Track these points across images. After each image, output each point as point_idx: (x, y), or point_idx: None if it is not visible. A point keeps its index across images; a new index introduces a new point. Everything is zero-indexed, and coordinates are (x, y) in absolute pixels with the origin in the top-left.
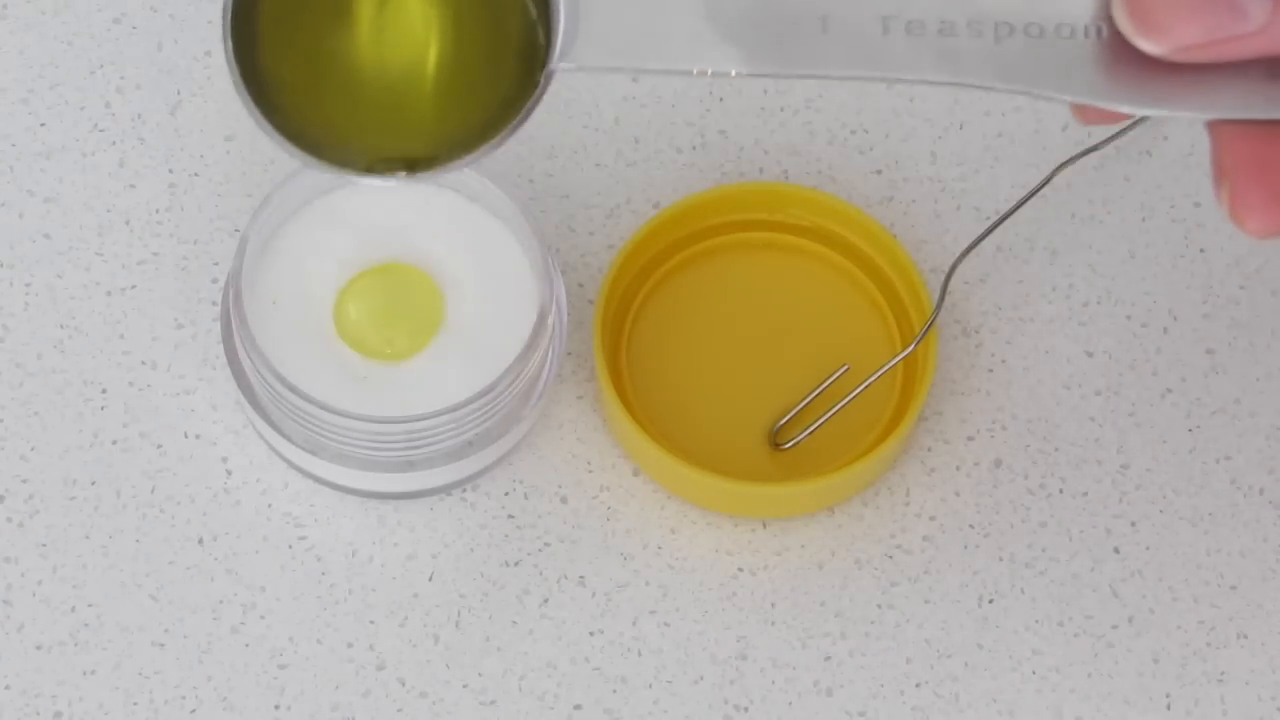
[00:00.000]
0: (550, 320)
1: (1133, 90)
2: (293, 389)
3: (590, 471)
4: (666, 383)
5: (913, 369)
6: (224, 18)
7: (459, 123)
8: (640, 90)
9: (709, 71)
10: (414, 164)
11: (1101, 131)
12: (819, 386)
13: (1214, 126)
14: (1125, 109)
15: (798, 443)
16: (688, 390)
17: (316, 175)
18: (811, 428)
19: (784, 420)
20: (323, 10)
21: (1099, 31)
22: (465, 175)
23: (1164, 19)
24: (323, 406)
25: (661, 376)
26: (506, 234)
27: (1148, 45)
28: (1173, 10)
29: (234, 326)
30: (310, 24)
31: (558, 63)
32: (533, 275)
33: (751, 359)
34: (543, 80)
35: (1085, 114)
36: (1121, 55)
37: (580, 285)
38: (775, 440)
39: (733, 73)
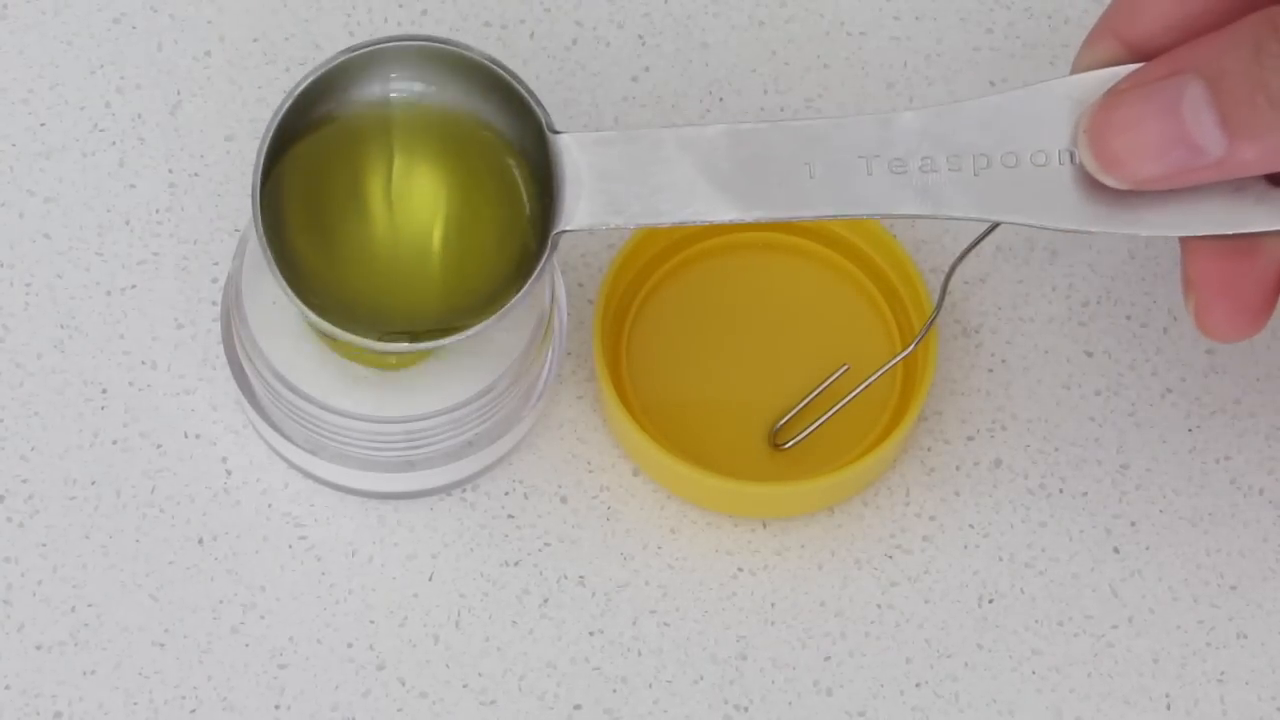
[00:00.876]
0: (550, 320)
1: (1105, 214)
2: (293, 389)
3: (590, 471)
4: (666, 383)
5: (913, 369)
6: (254, 204)
7: (466, 293)
8: (640, 90)
9: (706, 221)
10: (421, 336)
11: None
12: (819, 386)
13: (1183, 241)
14: (1098, 230)
15: (798, 443)
16: (688, 390)
17: None
18: (811, 428)
19: (784, 420)
20: (341, 195)
21: (1072, 157)
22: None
23: (1126, 159)
24: (323, 406)
25: (661, 376)
26: None
27: (1112, 182)
28: (1133, 153)
29: (234, 326)
30: (331, 208)
31: (563, 227)
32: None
33: (751, 359)
34: (550, 245)
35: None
36: (1093, 181)
37: (580, 285)
38: (775, 440)
39: (729, 220)
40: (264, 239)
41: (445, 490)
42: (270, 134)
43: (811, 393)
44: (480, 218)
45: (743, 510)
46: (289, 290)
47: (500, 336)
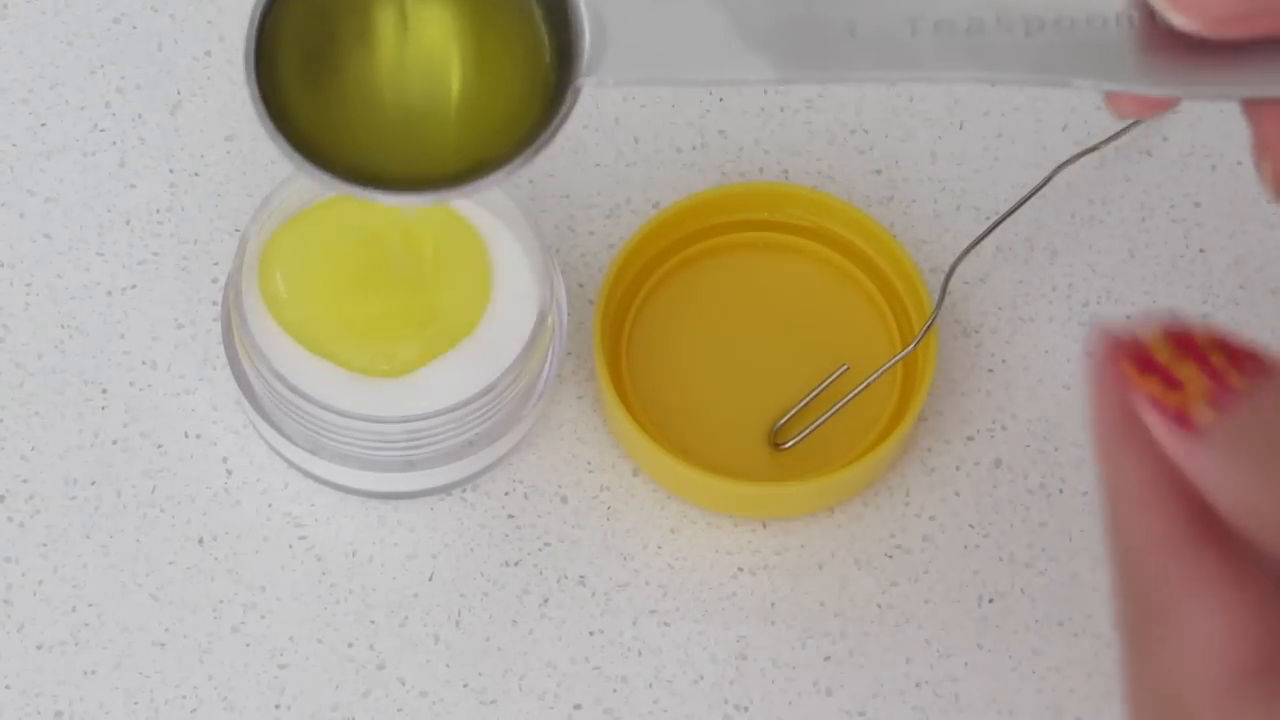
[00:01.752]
0: (550, 320)
1: (1170, 73)
2: (293, 389)
3: (590, 471)
4: (666, 383)
5: (913, 369)
6: (247, 61)
7: (485, 144)
8: (640, 90)
9: (738, 81)
10: (441, 184)
11: (1101, 132)
12: (819, 386)
13: (1253, 105)
14: (1163, 93)
15: (798, 443)
16: (688, 390)
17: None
18: (811, 427)
19: (784, 420)
20: (344, 42)
21: (1130, 20)
22: None
23: None
24: (323, 406)
25: (661, 376)
26: (506, 234)
27: (1181, 21)
28: None
29: (234, 326)
30: (332, 57)
31: (584, 78)
32: (533, 275)
33: (751, 359)
34: (569, 96)
35: (1120, 104)
36: (1156, 40)
37: (580, 285)
38: (775, 440)
39: (761, 80)
40: (257, 96)
41: (445, 490)
42: None
43: (811, 393)
44: (498, 66)
45: (743, 510)
46: (285, 144)
47: (500, 336)
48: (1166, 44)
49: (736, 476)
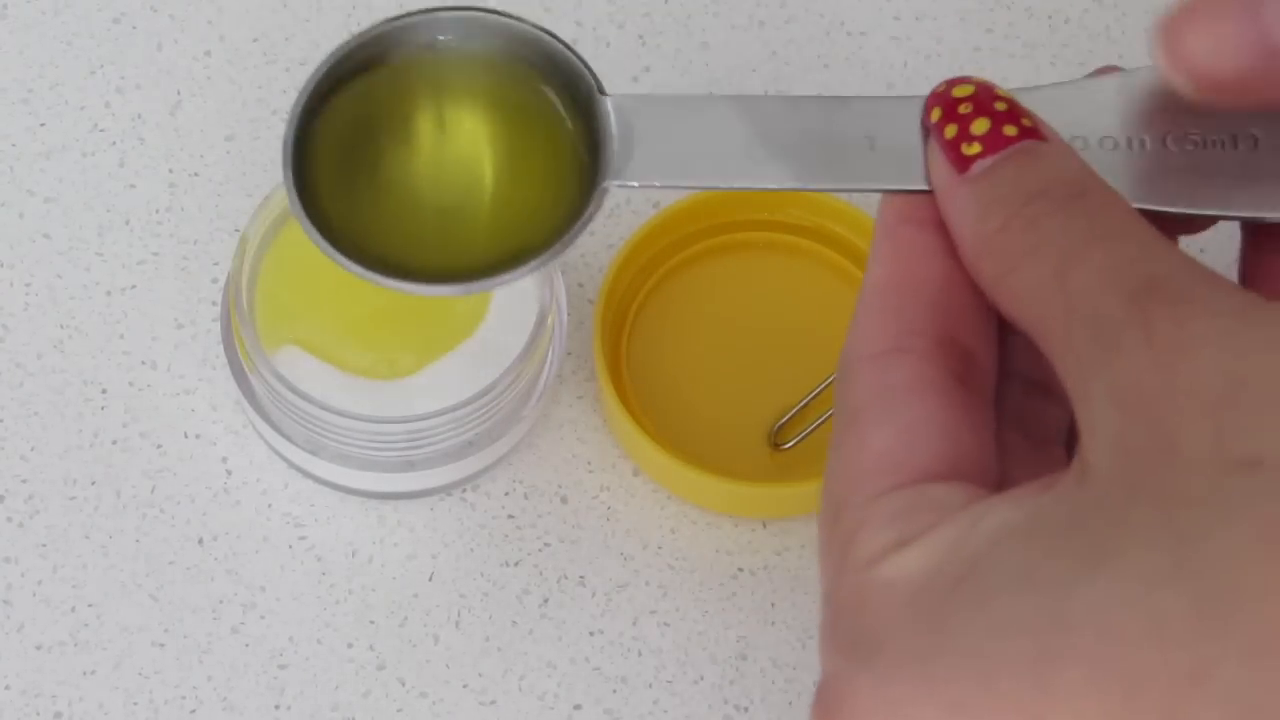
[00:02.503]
0: (550, 320)
1: (1183, 192)
2: (293, 389)
3: (590, 471)
4: (666, 383)
5: None
6: (285, 156)
7: (516, 237)
8: (640, 90)
9: (758, 188)
10: (472, 276)
11: None
12: (819, 386)
13: (1248, 232)
14: (1171, 210)
15: (798, 443)
16: (688, 390)
17: None
18: (811, 427)
19: (784, 420)
20: (382, 141)
21: (1143, 144)
22: None
23: (1198, 54)
24: (323, 407)
25: (661, 376)
26: None
27: (1182, 83)
28: (1207, 47)
29: (234, 327)
30: (370, 155)
31: (610, 181)
32: (533, 276)
33: (751, 359)
34: (595, 198)
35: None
36: (1164, 163)
37: (580, 285)
38: (775, 440)
39: (781, 188)
40: (293, 190)
41: (445, 490)
42: (308, 90)
43: (811, 393)
44: (529, 168)
45: (743, 510)
46: (316, 234)
47: (500, 336)
48: (1173, 168)
49: (736, 476)
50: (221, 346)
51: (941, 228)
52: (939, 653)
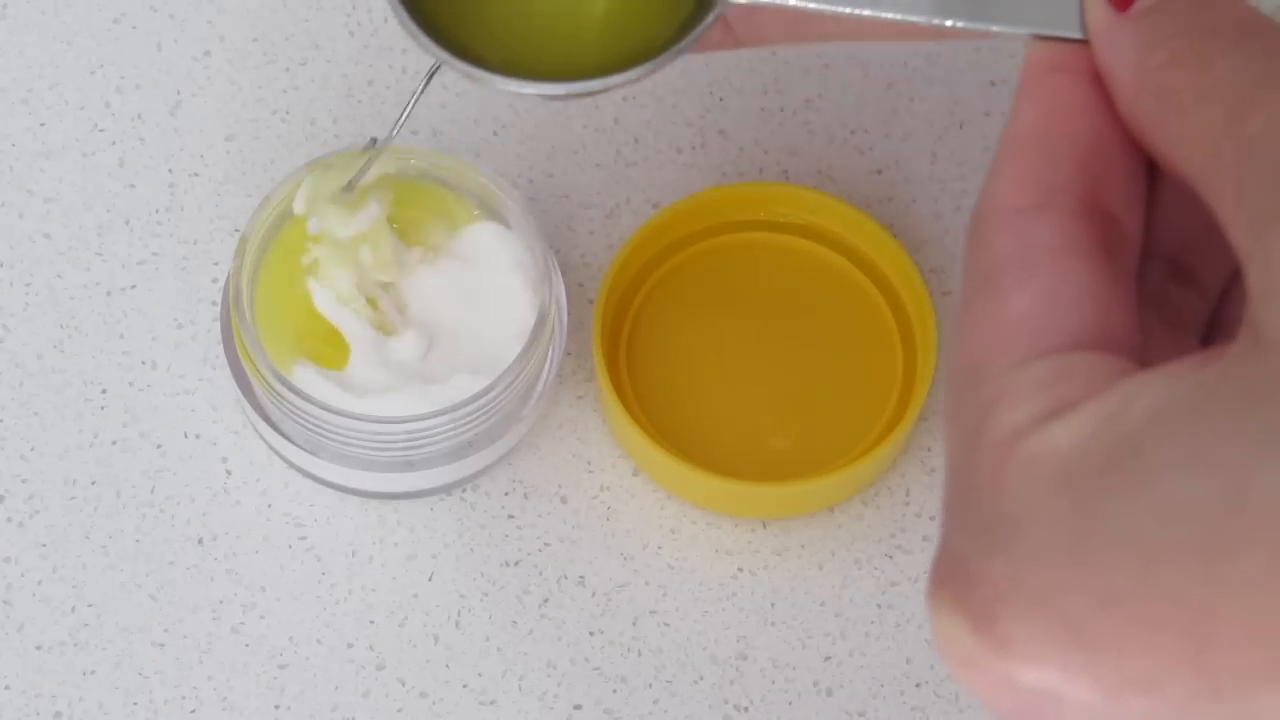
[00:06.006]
0: (550, 320)
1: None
2: (293, 389)
3: (590, 471)
4: (666, 383)
5: (912, 368)
6: None
7: (624, 46)
8: (640, 90)
9: (878, 17)
10: (574, 78)
11: None
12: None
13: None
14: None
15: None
16: (688, 390)
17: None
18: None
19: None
20: None
21: None
22: (466, 175)
23: None
24: (323, 406)
25: (661, 376)
26: (506, 233)
27: None
28: None
29: (234, 327)
30: None
31: None
32: (532, 275)
33: (751, 359)
34: (714, 11)
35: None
36: None
37: (580, 285)
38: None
39: (907, 19)
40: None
41: (445, 490)
42: None
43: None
44: None
45: (743, 510)
46: (423, 36)
47: (501, 336)
48: None
49: (737, 476)
50: (221, 346)
51: (1095, 80)
52: (1090, 539)
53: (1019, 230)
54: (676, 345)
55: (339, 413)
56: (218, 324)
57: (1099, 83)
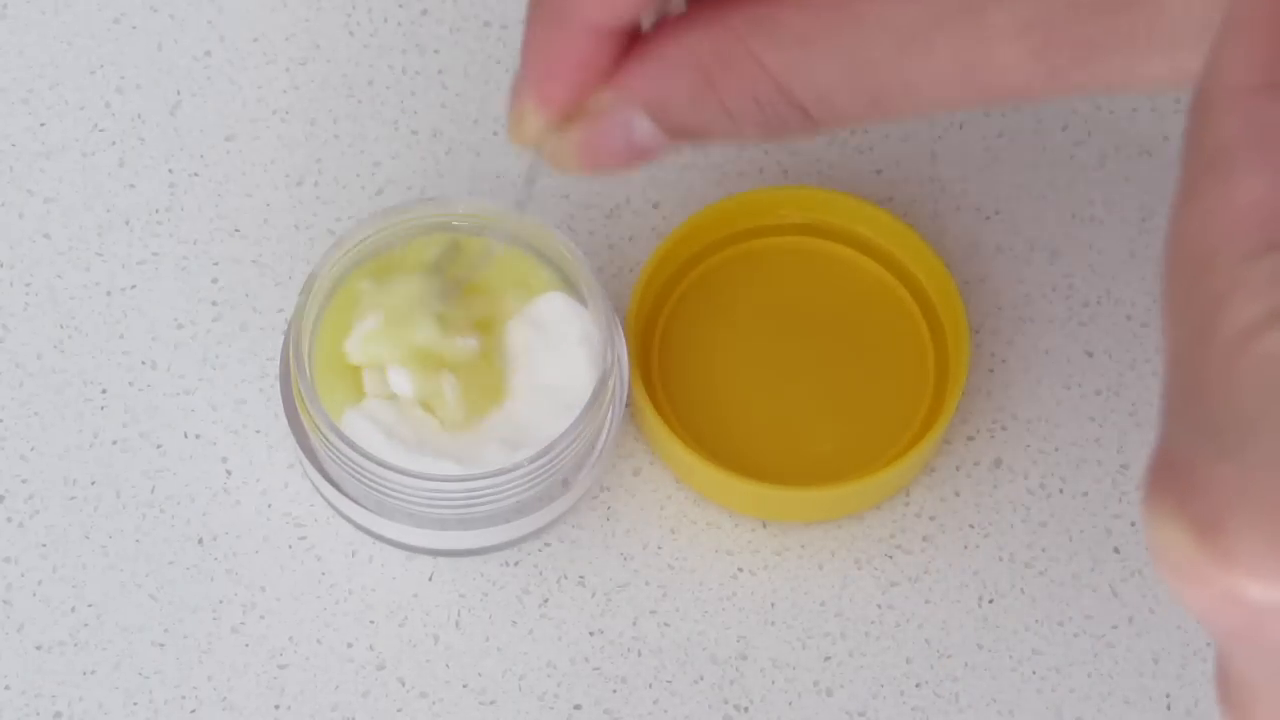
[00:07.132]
0: (611, 384)
1: None
2: (352, 445)
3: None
4: (702, 394)
5: (944, 365)
6: None
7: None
8: None
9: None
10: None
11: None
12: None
13: None
14: None
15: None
16: (724, 399)
17: (392, 221)
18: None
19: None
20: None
21: None
22: (536, 236)
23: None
24: (386, 465)
25: (696, 388)
26: (569, 295)
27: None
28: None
29: (293, 382)
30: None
31: None
32: (598, 347)
33: (784, 364)
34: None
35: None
36: None
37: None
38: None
39: None
40: None
41: (495, 550)
42: None
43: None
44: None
45: (787, 515)
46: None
47: (557, 399)
48: None
49: (783, 483)
50: (280, 400)
51: None
52: None
53: (1250, 110)
54: (708, 355)
55: (401, 471)
56: (218, 324)
57: None
